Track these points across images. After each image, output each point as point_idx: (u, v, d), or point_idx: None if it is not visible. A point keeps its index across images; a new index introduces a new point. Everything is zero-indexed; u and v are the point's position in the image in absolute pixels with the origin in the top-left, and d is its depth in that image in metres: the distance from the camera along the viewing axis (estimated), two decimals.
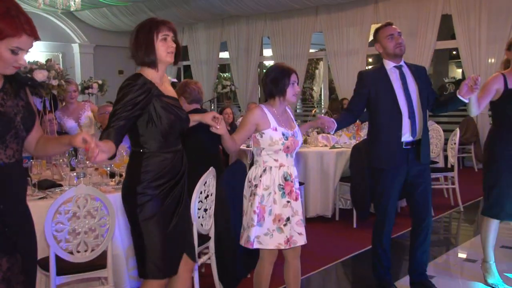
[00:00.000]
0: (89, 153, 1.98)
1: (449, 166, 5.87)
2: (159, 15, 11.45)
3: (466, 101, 3.34)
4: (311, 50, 11.47)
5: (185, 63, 13.29)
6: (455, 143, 5.86)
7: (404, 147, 3.37)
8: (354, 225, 5.26)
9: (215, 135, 2.85)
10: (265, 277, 3.01)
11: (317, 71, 14.22)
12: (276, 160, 2.94)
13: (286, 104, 3.07)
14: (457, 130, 6.04)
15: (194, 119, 2.82)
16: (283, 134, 2.93)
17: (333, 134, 4.72)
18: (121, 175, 3.74)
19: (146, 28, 2.49)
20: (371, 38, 10.91)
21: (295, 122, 3.11)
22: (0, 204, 1.88)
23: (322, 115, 9.74)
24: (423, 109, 3.42)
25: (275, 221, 2.89)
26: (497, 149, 3.55)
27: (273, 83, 2.97)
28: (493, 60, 8.63)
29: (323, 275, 4.07)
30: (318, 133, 5.94)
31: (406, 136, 3.36)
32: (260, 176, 2.93)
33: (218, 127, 2.75)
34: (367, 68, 12.19)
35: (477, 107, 3.49)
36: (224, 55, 12.83)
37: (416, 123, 3.37)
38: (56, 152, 2.19)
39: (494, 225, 3.59)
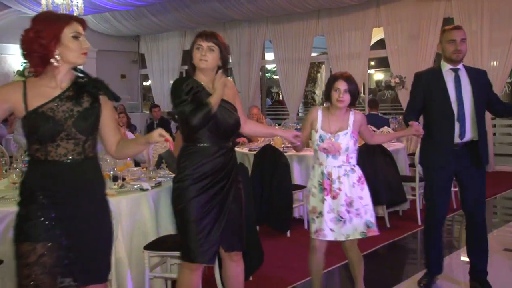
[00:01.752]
0: (168, 143, 2.31)
1: None
2: (161, 19, 11.52)
3: None
4: (313, 54, 11.48)
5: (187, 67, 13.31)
6: None
7: (453, 148, 3.45)
8: None
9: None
10: (315, 264, 3.30)
11: (319, 75, 14.25)
12: (317, 158, 3.24)
13: (341, 109, 3.20)
14: None
15: (276, 133, 3.55)
16: (320, 136, 3.18)
17: None
18: (124, 179, 3.76)
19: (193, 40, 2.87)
20: (373, 41, 10.95)
21: (350, 127, 3.19)
22: (44, 199, 2.12)
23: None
24: (478, 112, 3.46)
25: (310, 212, 3.23)
26: None
27: (325, 88, 3.32)
28: (495, 63, 8.63)
29: (326, 277, 4.07)
30: None
31: (456, 138, 3.45)
32: (311, 172, 3.31)
33: (299, 143, 3.09)
34: (369, 71, 12.22)
35: None
36: None
37: (466, 126, 3.43)
38: (135, 152, 2.48)
39: None
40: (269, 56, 12.24)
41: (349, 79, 3.19)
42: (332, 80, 3.21)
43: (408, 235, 5.01)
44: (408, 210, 5.80)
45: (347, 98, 3.17)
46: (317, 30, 10.79)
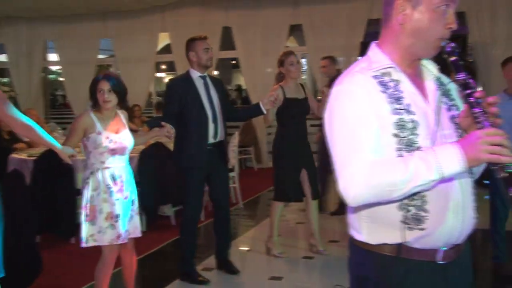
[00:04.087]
0: None
1: (230, 167, 6.36)
2: None
3: (265, 112, 3.99)
4: (100, 56, 11.23)
5: None
6: (235, 146, 6.39)
7: (208, 148, 3.83)
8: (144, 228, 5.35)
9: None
10: (107, 275, 3.21)
11: None
12: (102, 162, 3.13)
13: (109, 109, 3.18)
14: (236, 134, 6.59)
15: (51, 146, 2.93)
16: (107, 138, 3.12)
17: None
18: None
19: None
20: (160, 46, 11.17)
21: (126, 126, 3.27)
22: None
23: None
24: (223, 114, 3.93)
25: (107, 219, 3.08)
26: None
27: (89, 91, 3.17)
28: (269, 70, 9.50)
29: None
30: None
31: (211, 138, 3.85)
32: (88, 178, 3.13)
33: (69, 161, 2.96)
34: (159, 75, 12.44)
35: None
36: (2, 58, 11.82)
37: (219, 127, 3.88)
38: None
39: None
40: (54, 56, 11.60)
41: (111, 78, 3.16)
42: (95, 82, 3.16)
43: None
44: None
45: (113, 97, 3.14)
46: (104, 33, 10.60)
